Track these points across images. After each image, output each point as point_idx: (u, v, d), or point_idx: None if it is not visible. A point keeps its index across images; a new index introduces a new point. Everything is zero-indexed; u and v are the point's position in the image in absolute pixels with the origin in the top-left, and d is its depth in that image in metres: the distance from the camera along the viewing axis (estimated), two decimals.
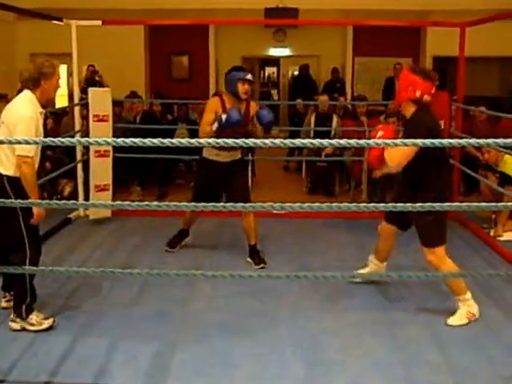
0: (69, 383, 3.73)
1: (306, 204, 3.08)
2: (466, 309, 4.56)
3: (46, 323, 4.41)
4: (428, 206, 3.12)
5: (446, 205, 3.42)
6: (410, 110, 4.54)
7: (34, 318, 4.40)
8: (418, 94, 4.44)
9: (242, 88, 5.61)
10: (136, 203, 3.27)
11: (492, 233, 6.77)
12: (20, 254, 4.29)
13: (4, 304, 4.71)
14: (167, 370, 3.89)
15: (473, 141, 3.19)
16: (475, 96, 10.67)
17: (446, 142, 3.03)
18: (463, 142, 2.90)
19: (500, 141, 2.84)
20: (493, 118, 8.86)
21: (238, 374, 3.85)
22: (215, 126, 5.50)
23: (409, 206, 3.19)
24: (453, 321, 4.54)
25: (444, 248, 4.52)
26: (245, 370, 3.89)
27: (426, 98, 4.47)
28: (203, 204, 2.95)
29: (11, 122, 4.16)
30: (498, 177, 6.94)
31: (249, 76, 5.66)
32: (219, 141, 2.93)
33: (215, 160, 5.78)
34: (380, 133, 4.58)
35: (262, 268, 5.69)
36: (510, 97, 12.51)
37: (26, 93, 4.30)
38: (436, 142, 2.90)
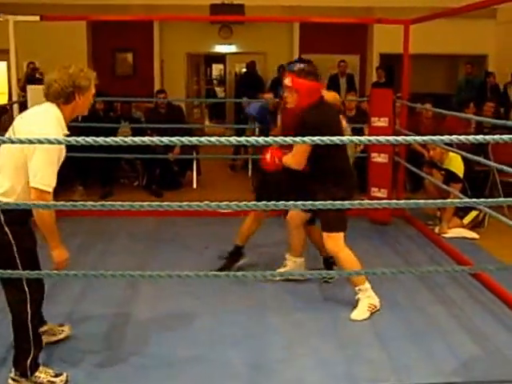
0: None
1: (252, 202, 3.12)
2: (367, 301, 4.71)
3: (59, 381, 3.69)
4: (370, 203, 3.16)
5: (397, 202, 3.48)
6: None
7: (42, 376, 3.65)
8: (319, 95, 4.70)
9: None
10: (71, 203, 3.23)
11: (437, 230, 6.90)
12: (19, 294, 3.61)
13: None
14: (107, 370, 3.87)
15: (410, 138, 3.25)
16: (422, 93, 10.89)
17: (383, 139, 3.08)
18: (400, 138, 2.94)
19: (437, 138, 2.89)
20: (439, 115, 9.03)
21: (180, 376, 3.84)
22: None
23: (365, 203, 3.24)
24: (356, 315, 4.67)
25: (342, 236, 4.71)
26: (187, 372, 3.88)
27: None
28: (139, 204, 2.93)
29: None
30: (444, 174, 7.06)
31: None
32: (164, 139, 2.87)
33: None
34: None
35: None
36: (459, 94, 12.74)
37: (53, 109, 3.54)
38: (382, 139, 2.94)
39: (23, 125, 3.54)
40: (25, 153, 3.35)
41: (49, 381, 3.65)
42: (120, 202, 2.99)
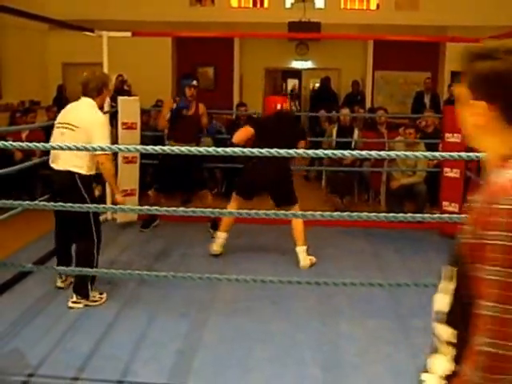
0: (95, 379, 3.77)
1: (328, 213, 3.13)
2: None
3: (104, 297, 4.97)
4: (417, 217, 3.12)
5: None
6: None
7: (96, 294, 4.93)
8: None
9: (188, 92, 6.74)
10: (164, 208, 3.30)
11: None
12: (86, 242, 4.85)
13: (60, 284, 5.20)
14: (189, 369, 3.93)
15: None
16: None
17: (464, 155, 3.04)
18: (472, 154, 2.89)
19: None
20: None
21: (256, 375, 3.87)
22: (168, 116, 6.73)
23: (429, 217, 3.21)
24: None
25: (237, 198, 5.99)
26: (263, 372, 3.91)
27: None
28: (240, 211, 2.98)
29: (88, 128, 4.67)
30: None
31: (194, 82, 6.76)
32: (272, 151, 2.95)
33: None
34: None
35: None
36: None
37: (89, 101, 4.87)
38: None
39: (79, 117, 4.78)
40: (88, 135, 4.63)
41: (99, 297, 4.91)
42: (201, 209, 3.04)
